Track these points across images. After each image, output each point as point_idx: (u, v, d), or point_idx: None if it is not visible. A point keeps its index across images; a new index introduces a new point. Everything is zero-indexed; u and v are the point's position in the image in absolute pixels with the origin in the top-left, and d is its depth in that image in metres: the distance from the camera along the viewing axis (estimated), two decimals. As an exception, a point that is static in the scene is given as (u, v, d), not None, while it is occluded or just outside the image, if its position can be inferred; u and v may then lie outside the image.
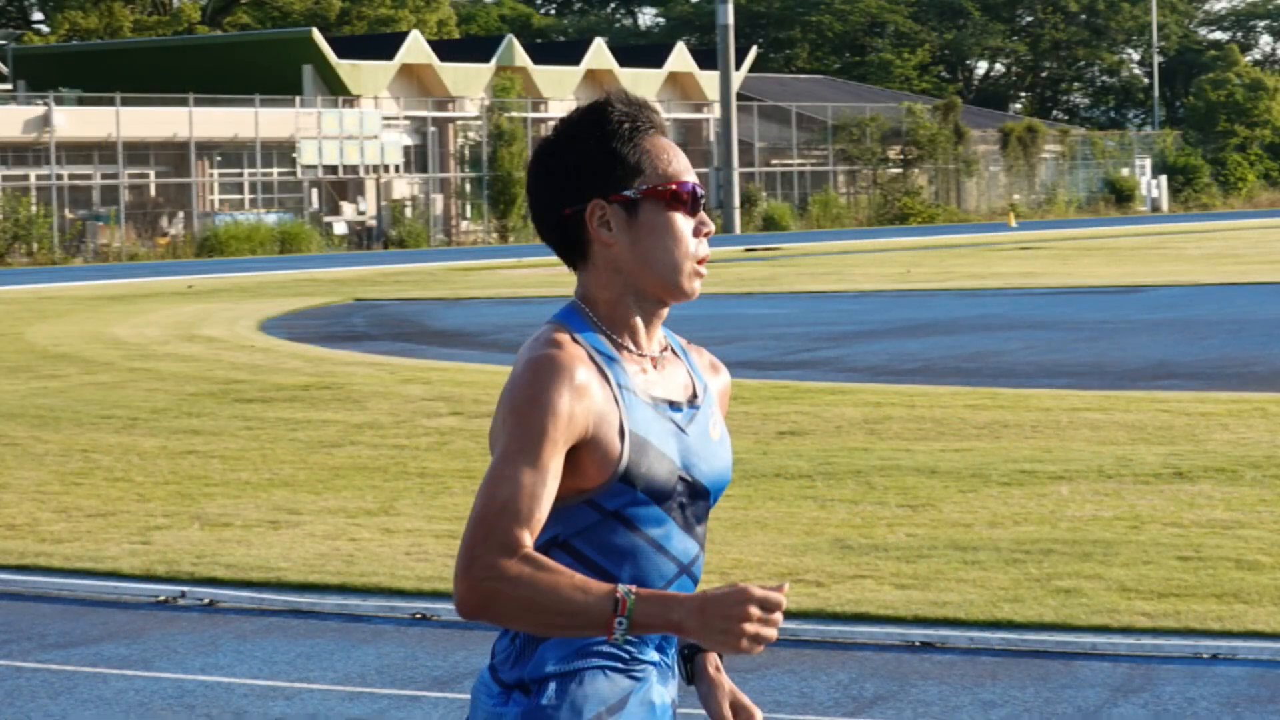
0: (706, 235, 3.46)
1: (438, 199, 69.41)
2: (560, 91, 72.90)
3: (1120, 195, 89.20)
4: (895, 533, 11.21)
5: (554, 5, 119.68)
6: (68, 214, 59.22)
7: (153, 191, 62.82)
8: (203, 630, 9.45)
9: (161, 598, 10.13)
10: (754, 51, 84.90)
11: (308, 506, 12.69)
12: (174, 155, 62.33)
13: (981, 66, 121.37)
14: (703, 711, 3.56)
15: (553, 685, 3.33)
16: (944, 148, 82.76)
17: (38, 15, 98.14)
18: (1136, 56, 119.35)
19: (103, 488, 13.67)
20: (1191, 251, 49.70)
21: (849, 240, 63.68)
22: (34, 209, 57.92)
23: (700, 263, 3.44)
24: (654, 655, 3.40)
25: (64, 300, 37.54)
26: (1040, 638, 8.84)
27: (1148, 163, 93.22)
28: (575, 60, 75.28)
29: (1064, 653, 8.63)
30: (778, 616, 3.16)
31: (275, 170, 64.60)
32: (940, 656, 8.64)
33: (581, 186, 3.41)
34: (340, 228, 65.24)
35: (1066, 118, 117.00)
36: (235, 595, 10.13)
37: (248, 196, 64.25)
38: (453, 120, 69.90)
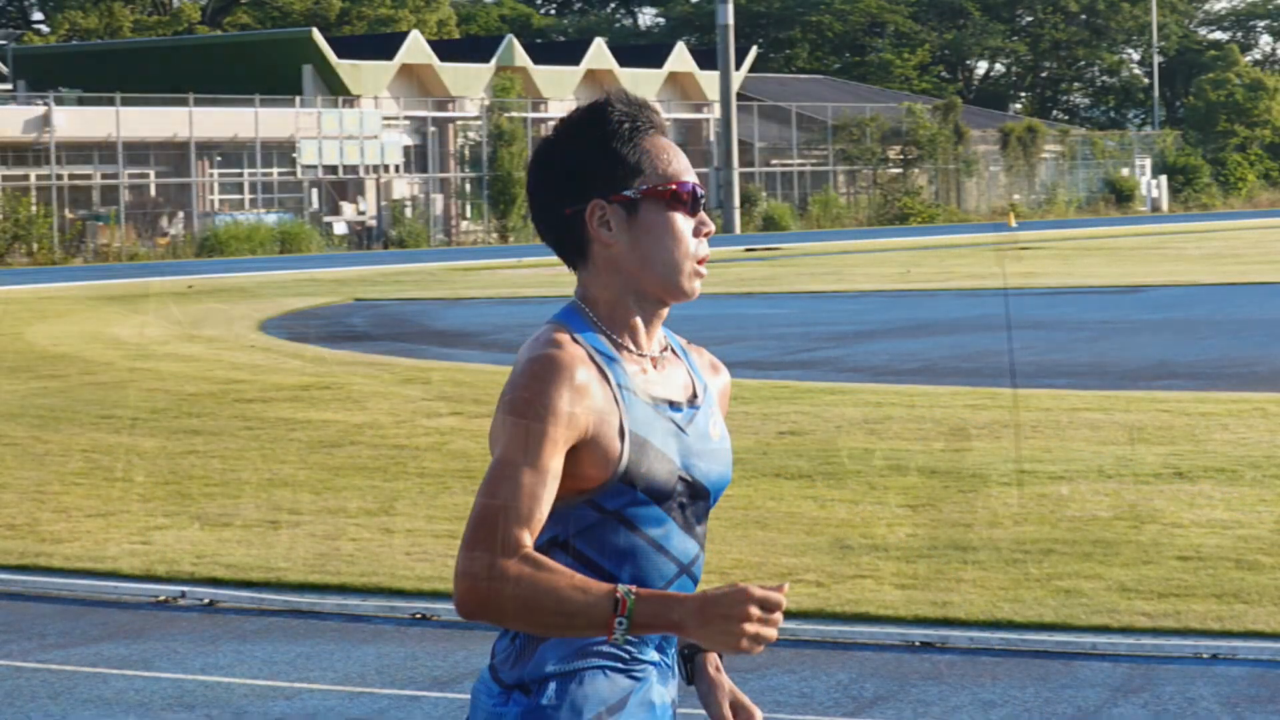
0: (706, 235, 3.46)
1: (438, 199, 69.41)
2: (560, 91, 72.90)
3: (1120, 195, 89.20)
4: (895, 533, 11.21)
5: (554, 5, 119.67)
6: (68, 214, 59.22)
7: (153, 191, 62.83)
8: (203, 630, 9.45)
9: (161, 598, 10.13)
10: (754, 51, 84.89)
11: (308, 506, 12.69)
12: (174, 155, 62.32)
13: (981, 66, 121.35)
14: (703, 711, 3.56)
15: (553, 685, 3.33)
16: (944, 148, 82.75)
17: (38, 15, 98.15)
18: (1136, 56, 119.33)
19: (103, 488, 13.67)
20: (1191, 251, 49.71)
21: (849, 240, 63.68)
22: (34, 209, 57.93)
23: (700, 263, 3.44)
24: (654, 655, 3.40)
25: (64, 300, 37.54)
26: (1040, 638, 8.85)
27: (1148, 163, 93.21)
28: (575, 60, 75.27)
29: (1064, 653, 8.63)
30: (778, 616, 3.16)
31: (275, 170, 64.60)
32: (940, 656, 8.65)
33: (581, 186, 3.41)
34: (340, 228, 65.25)
35: (1066, 118, 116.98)
36: (235, 595, 10.13)
37: (248, 196, 64.25)
38: (453, 120, 69.90)
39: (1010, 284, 36.74)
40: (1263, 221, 73.34)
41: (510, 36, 75.54)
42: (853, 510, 12.02)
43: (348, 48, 70.45)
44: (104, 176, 60.25)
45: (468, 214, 70.85)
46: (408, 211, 67.29)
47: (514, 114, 69.65)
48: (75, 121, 59.56)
